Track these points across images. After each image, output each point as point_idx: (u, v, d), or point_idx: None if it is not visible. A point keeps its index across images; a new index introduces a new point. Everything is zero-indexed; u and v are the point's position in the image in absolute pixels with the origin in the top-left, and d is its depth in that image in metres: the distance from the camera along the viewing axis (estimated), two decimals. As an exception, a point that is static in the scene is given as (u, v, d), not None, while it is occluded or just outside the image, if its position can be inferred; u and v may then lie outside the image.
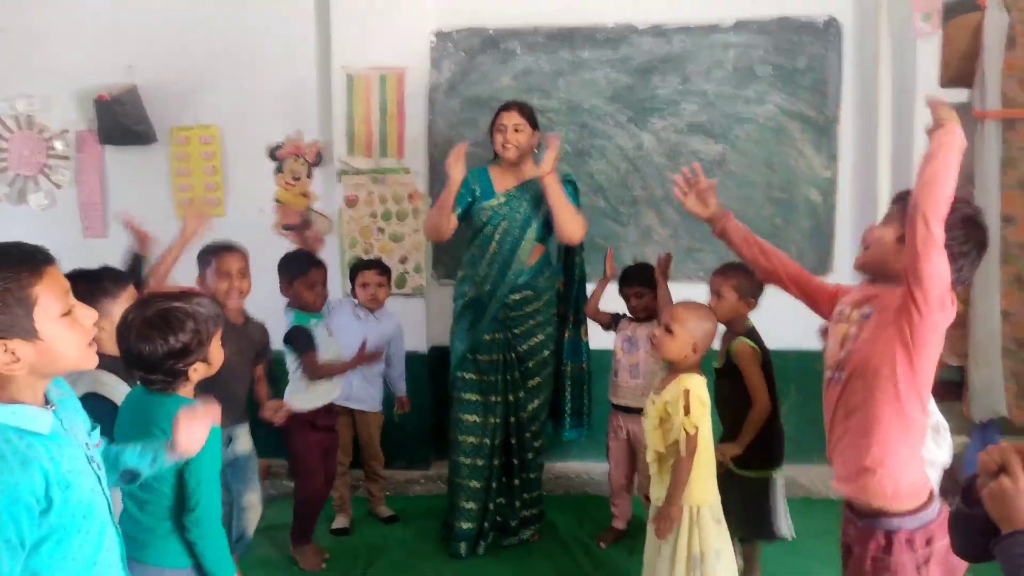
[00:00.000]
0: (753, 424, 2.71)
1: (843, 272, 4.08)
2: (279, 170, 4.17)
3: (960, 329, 3.57)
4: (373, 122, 4.00)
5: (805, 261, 3.98)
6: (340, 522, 3.40)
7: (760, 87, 3.99)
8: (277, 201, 4.16)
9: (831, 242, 4.07)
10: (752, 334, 2.81)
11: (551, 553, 3.27)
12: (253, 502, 2.76)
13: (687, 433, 2.32)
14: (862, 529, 1.75)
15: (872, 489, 1.72)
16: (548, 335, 3.33)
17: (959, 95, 3.60)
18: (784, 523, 2.78)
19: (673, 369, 2.45)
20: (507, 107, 3.25)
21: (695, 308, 2.52)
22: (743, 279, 2.81)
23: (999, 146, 3.53)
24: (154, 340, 1.72)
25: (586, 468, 4.17)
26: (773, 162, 4.02)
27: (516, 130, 3.20)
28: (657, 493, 2.45)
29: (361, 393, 3.36)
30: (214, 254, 2.76)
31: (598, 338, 3.55)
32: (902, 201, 1.77)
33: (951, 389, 3.66)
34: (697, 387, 2.38)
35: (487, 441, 3.22)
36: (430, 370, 4.05)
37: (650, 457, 2.47)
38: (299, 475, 2.93)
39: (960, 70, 3.60)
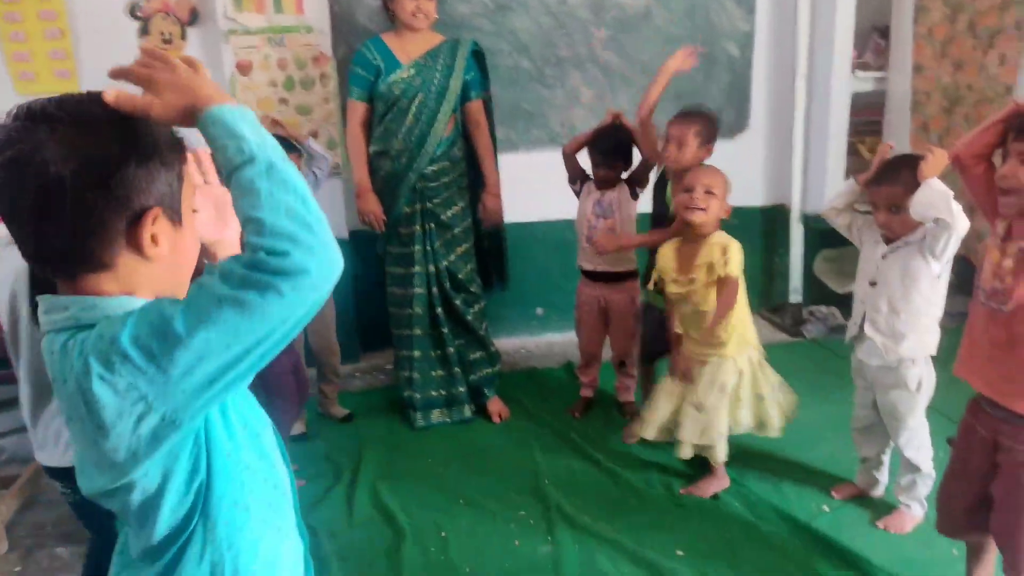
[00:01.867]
0: None
1: (759, 128, 4.16)
2: (144, 31, 3.46)
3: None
4: (263, -30, 3.39)
5: (724, 118, 4.01)
6: (297, 428, 3.08)
7: (681, -65, 3.82)
8: (148, 70, 3.46)
9: (748, 98, 4.10)
10: None
11: (527, 429, 3.16)
12: None
13: (731, 277, 2.43)
14: (1017, 427, 1.80)
15: None
16: (467, 202, 3.24)
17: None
18: None
19: (696, 236, 2.48)
20: None
21: (717, 170, 2.54)
22: (705, 124, 2.75)
23: (913, -5, 3.65)
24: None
25: (522, 343, 4.08)
26: (696, 15, 3.91)
27: None
28: (699, 350, 2.54)
29: None
30: None
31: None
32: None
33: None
34: (736, 244, 2.44)
35: (415, 311, 3.16)
36: (353, 256, 3.68)
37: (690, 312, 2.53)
38: (277, 397, 2.55)
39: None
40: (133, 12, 3.42)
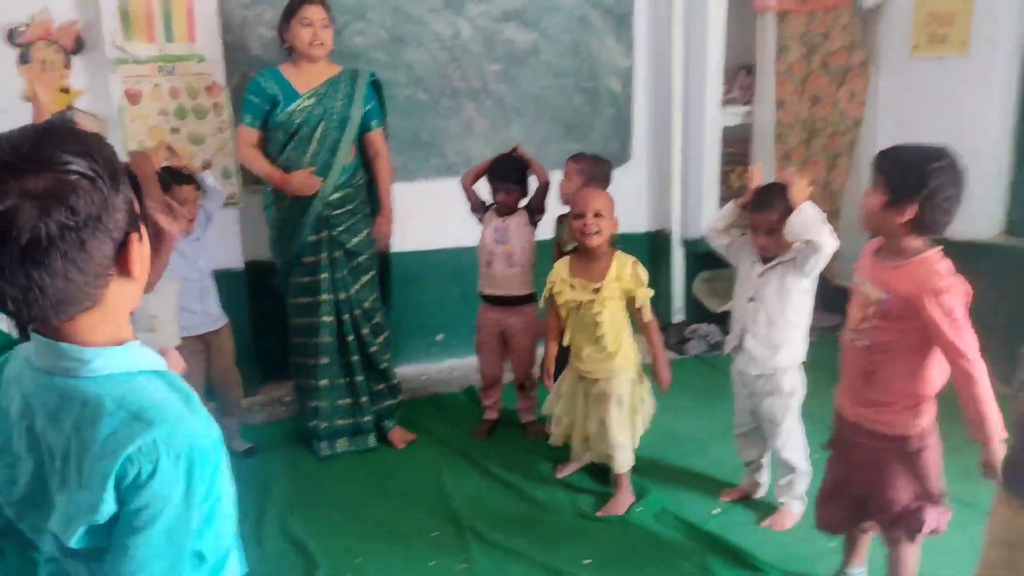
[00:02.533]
0: None
1: (641, 158, 4.41)
2: (25, 59, 3.33)
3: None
4: (153, -1, 3.34)
5: (609, 150, 4.25)
6: (239, 445, 3.08)
7: (564, -25, 4.04)
8: (27, 99, 3.34)
9: (630, 130, 4.34)
10: None
11: (434, 453, 3.22)
12: None
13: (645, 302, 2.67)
14: (874, 433, 2.02)
15: (893, 426, 1.99)
16: (371, 229, 3.29)
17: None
18: None
19: (595, 254, 2.65)
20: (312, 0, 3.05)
21: (600, 192, 2.74)
22: (593, 166, 3.10)
23: (775, 36, 4.00)
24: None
25: (423, 369, 4.13)
26: (580, 52, 4.13)
27: (325, 26, 3.06)
28: (591, 366, 2.72)
29: (204, 314, 3.03)
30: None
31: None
32: (883, 164, 1.91)
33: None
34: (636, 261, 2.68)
35: (323, 340, 3.16)
36: (249, 288, 3.65)
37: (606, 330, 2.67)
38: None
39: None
40: (12, 38, 3.30)
